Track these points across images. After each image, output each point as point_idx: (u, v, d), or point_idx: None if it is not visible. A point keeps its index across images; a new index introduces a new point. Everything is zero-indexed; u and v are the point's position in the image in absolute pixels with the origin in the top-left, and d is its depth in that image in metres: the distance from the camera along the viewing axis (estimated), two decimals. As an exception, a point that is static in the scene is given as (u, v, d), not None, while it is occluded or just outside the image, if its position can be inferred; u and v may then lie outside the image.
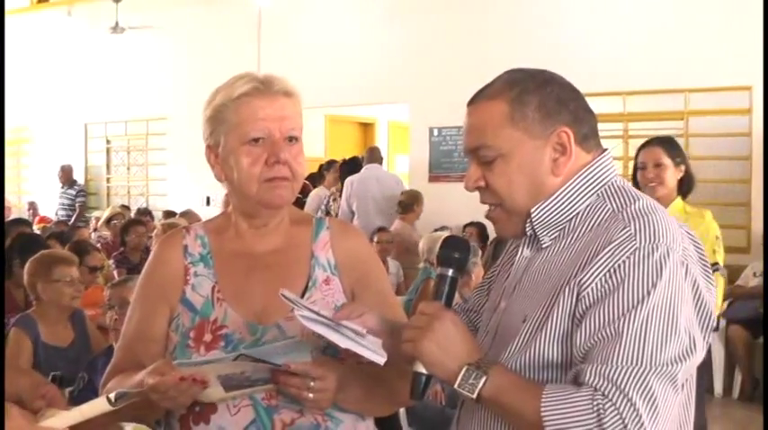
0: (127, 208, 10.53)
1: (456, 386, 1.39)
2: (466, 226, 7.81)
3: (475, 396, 1.38)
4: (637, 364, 1.31)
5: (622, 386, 1.30)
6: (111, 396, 1.28)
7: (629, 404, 1.29)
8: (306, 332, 1.64)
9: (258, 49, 9.98)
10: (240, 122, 1.69)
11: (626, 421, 1.28)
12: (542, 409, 1.32)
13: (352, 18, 9.74)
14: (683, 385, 1.40)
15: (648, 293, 1.34)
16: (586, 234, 1.45)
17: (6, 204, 11.67)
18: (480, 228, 7.46)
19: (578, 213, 1.49)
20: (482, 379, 1.37)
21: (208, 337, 1.69)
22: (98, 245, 7.70)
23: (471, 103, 1.54)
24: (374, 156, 8.73)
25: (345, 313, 1.57)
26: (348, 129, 11.71)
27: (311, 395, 1.55)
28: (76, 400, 1.34)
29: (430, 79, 8.97)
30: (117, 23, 11.36)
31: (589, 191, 1.50)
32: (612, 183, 1.51)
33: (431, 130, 9.19)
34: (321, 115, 10.69)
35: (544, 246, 1.52)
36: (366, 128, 12.07)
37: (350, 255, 1.81)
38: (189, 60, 11.05)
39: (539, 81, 1.50)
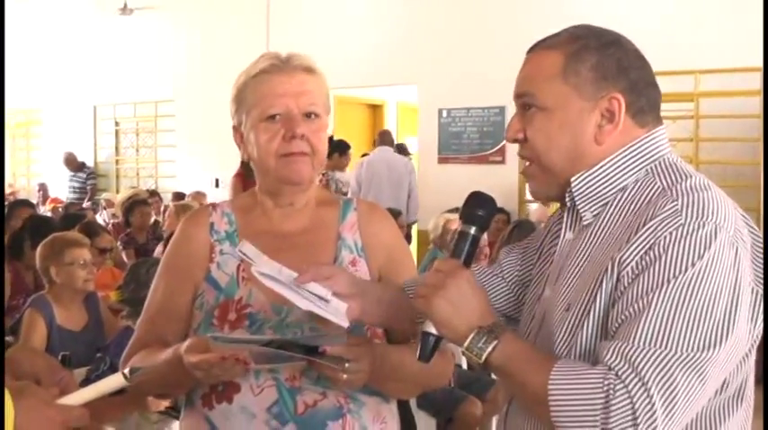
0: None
1: (464, 348, 1.31)
2: None
3: (483, 360, 1.30)
4: (659, 346, 1.18)
5: (639, 369, 1.17)
6: (126, 371, 1.29)
7: (643, 390, 1.16)
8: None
9: (267, 31, 9.95)
10: (259, 100, 1.70)
11: (636, 410, 1.16)
12: (550, 382, 1.22)
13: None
14: (728, 386, 1.31)
15: (686, 269, 1.21)
16: (633, 212, 1.33)
17: (9, 189, 11.72)
18: (507, 215, 7.42)
19: (623, 188, 1.37)
20: (492, 343, 1.29)
21: (232, 316, 1.68)
22: (110, 226, 7.74)
23: (530, 51, 1.46)
24: (386, 139, 8.72)
25: (309, 277, 1.49)
26: (357, 110, 11.67)
27: (345, 376, 1.52)
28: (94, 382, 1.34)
29: (439, 60, 8.92)
30: (125, 5, 11.35)
31: (637, 165, 1.38)
32: (664, 160, 1.39)
33: (440, 112, 9.16)
34: (330, 97, 10.68)
35: (585, 223, 1.40)
36: (375, 109, 12.02)
37: (377, 238, 1.80)
38: (198, 42, 11.02)
39: (604, 41, 1.41)
